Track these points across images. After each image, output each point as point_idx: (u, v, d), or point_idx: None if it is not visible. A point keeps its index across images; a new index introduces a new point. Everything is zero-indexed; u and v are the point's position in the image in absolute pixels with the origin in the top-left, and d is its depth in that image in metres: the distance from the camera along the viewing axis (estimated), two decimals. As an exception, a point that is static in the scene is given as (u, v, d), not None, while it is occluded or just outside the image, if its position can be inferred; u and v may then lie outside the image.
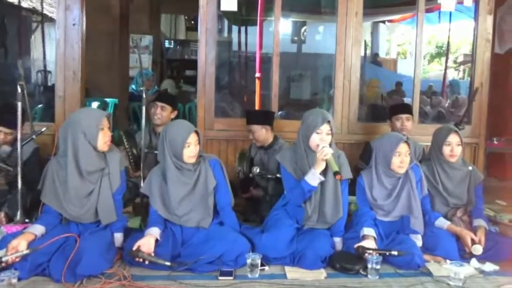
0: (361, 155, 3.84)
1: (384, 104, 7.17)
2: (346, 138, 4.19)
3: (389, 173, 2.90)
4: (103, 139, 2.61)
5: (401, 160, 2.86)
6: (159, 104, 3.71)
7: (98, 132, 2.58)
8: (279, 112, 4.45)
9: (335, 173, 2.65)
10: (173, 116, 3.77)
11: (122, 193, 2.77)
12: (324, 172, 2.78)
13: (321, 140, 2.78)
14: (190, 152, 2.69)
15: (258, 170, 3.35)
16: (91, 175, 2.62)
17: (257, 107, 4.35)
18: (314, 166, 2.76)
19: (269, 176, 3.39)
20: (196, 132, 2.73)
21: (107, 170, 2.67)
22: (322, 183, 2.81)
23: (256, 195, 3.52)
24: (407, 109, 3.83)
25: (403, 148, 2.86)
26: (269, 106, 4.19)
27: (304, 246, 2.67)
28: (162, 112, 3.71)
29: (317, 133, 2.79)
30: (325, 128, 2.80)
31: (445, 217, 3.04)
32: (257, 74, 4.36)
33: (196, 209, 2.74)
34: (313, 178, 2.75)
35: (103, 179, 2.65)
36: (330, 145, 2.81)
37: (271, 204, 3.18)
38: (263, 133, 3.56)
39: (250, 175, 3.38)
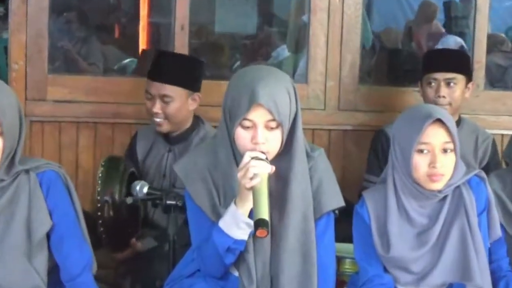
0: (368, 162, 3.97)
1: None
2: (336, 121, 4.31)
3: (416, 191, 2.95)
4: None
5: (431, 161, 2.88)
6: None
7: None
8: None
9: (256, 224, 2.58)
10: None
11: None
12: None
13: (254, 142, 2.72)
14: None
15: (146, 190, 3.36)
16: None
17: (141, 50, 4.35)
18: (236, 199, 2.74)
19: (168, 202, 3.37)
20: None
21: None
22: (273, 224, 2.74)
23: (142, 250, 3.61)
24: (447, 62, 3.96)
25: (434, 134, 2.88)
26: (168, 47, 4.23)
27: None
28: None
29: (243, 127, 2.74)
30: (258, 116, 2.71)
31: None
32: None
33: (9, 274, 2.77)
34: (235, 223, 2.74)
35: None
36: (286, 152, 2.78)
37: (175, 260, 3.22)
38: (184, 107, 3.68)
39: (129, 200, 3.37)
